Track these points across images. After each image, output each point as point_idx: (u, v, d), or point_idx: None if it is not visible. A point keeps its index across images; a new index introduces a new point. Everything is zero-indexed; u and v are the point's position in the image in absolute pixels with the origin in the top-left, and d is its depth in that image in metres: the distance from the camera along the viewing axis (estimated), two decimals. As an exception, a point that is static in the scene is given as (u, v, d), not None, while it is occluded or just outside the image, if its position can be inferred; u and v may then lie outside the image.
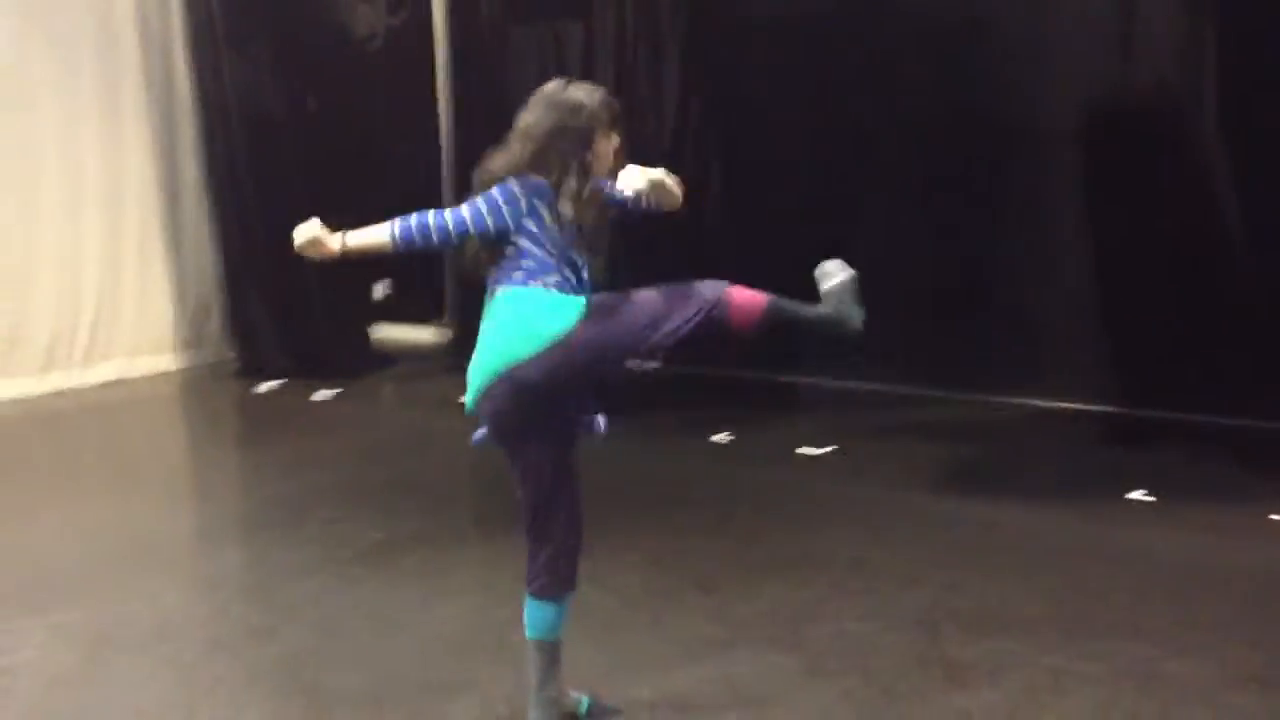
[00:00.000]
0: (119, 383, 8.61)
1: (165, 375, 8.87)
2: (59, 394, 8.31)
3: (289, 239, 3.28)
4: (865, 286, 3.20)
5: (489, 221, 3.23)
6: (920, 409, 7.16)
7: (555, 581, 3.37)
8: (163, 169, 8.85)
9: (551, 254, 3.23)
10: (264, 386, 8.32)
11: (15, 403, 8.08)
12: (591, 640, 3.93)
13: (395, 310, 9.38)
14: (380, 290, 9.19)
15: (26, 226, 8.21)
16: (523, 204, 3.23)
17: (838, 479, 5.95)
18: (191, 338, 9.10)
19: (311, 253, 3.27)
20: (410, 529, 5.36)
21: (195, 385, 8.73)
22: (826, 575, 4.64)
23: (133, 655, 4.13)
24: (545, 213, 3.24)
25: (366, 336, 9.20)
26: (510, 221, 3.23)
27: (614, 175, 3.28)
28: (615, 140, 3.34)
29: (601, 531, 5.08)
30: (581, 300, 3.20)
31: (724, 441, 6.59)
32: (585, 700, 3.59)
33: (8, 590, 4.75)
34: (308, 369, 8.42)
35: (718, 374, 7.70)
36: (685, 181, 3.29)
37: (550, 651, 3.42)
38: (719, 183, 8.02)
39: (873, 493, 5.73)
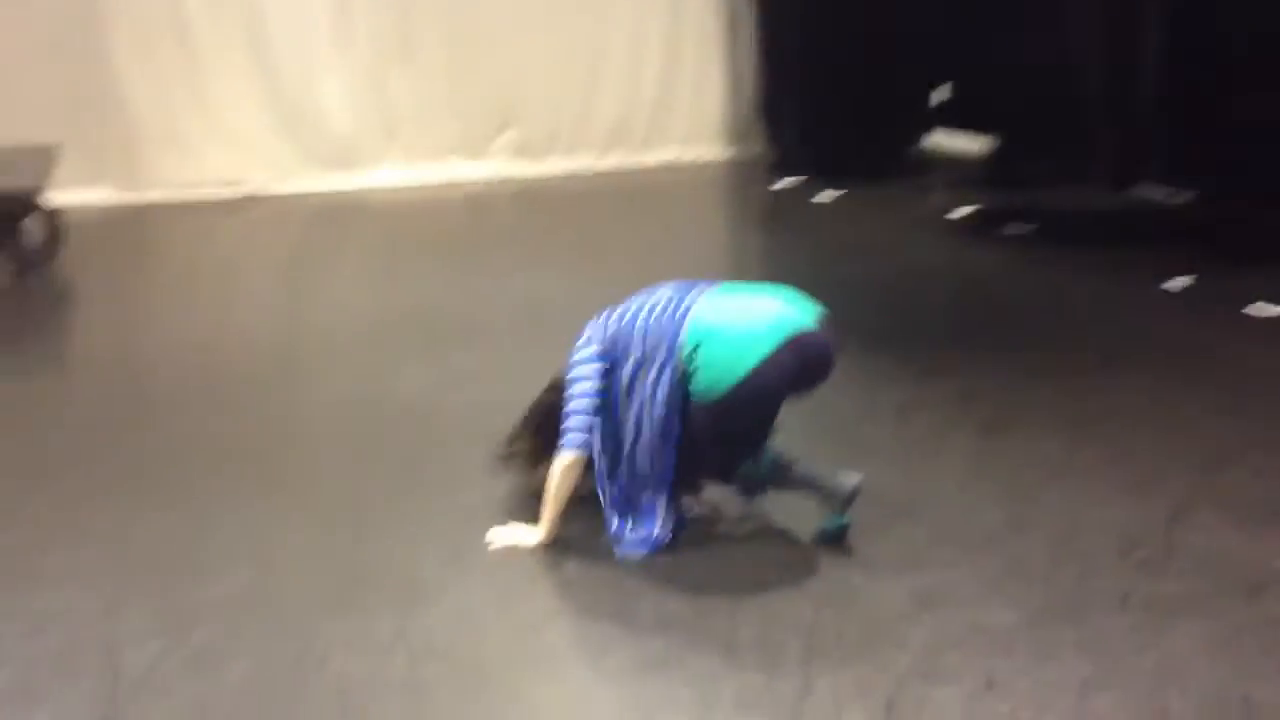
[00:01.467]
0: (669, 167, 9.42)
1: (710, 164, 9.52)
2: (616, 172, 9.31)
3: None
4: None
5: None
6: None
7: None
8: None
9: None
10: (781, 182, 8.66)
11: (577, 176, 9.19)
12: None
13: (951, 115, 9.20)
14: (939, 95, 9.09)
15: (599, 15, 9.10)
16: None
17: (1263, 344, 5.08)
18: (738, 131, 9.62)
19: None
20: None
21: (729, 176, 9.27)
22: (1116, 446, 4.10)
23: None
24: None
25: (901, 140, 9.15)
26: None
27: None
28: None
29: (962, 355, 4.96)
30: None
31: (1177, 288, 5.84)
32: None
33: (450, 330, 5.62)
34: (829, 168, 8.58)
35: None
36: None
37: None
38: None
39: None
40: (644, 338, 3.38)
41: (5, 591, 3.24)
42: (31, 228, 7.18)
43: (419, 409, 4.55)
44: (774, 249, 7.46)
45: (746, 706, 2.68)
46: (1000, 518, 3.57)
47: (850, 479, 3.35)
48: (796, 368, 3.28)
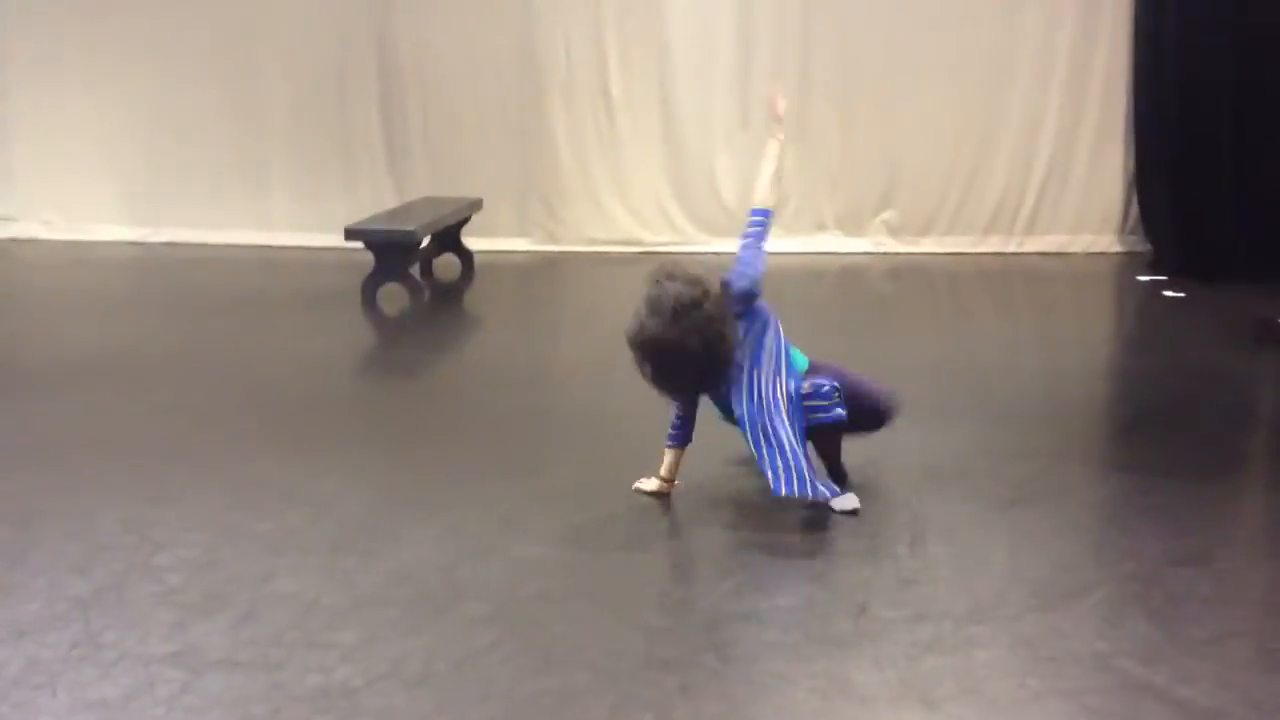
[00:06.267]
0: (1054, 255, 9.30)
1: (1099, 256, 9.24)
2: (996, 256, 9.37)
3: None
4: None
5: None
6: None
7: None
8: (1138, 53, 8.97)
9: None
10: (1145, 277, 8.31)
11: (954, 257, 9.37)
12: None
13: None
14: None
15: (991, 96, 9.24)
16: None
17: None
18: (1131, 224, 9.27)
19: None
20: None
21: (1106, 269, 8.95)
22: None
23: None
24: None
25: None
26: None
27: None
28: None
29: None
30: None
31: None
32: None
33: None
34: (1200, 267, 8.13)
35: None
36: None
37: None
38: None
39: None
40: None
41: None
42: (449, 264, 8.87)
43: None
44: (1085, 335, 7.32)
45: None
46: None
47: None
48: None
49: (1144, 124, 8.82)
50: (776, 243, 9.42)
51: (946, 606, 3.38)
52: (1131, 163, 9.12)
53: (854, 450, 4.35)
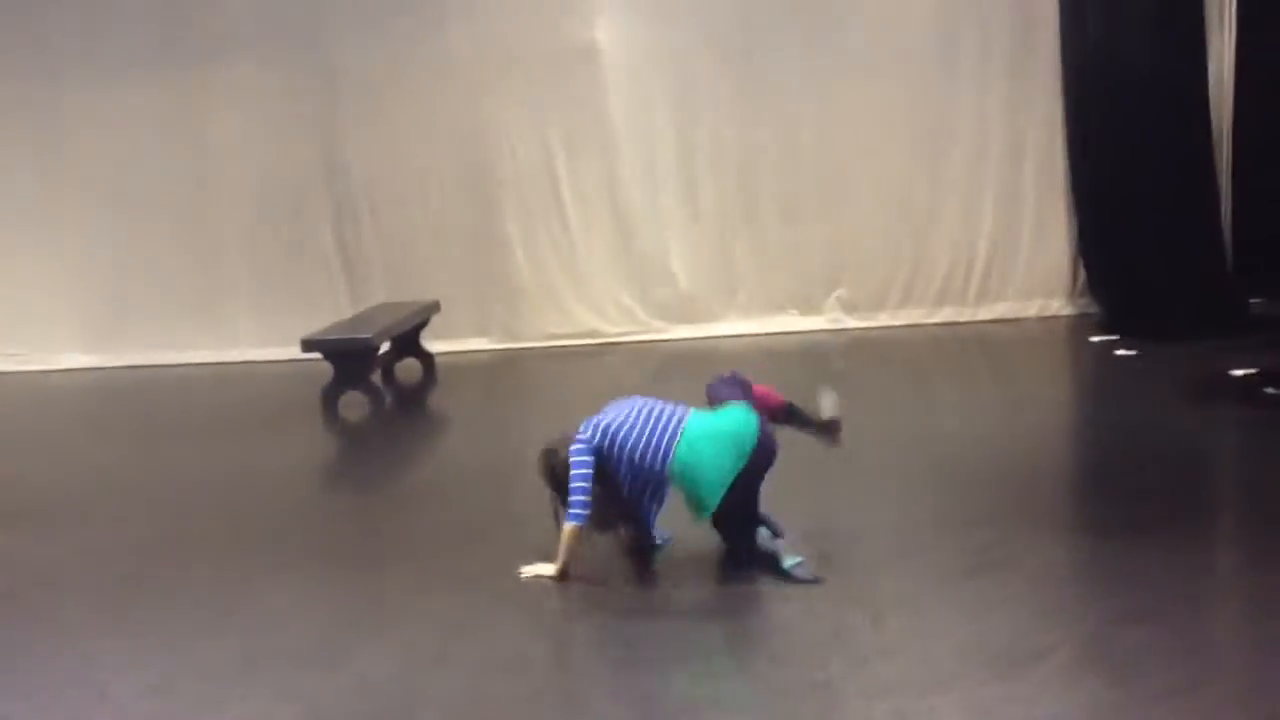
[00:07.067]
0: (1008, 321, 9.41)
1: (1052, 319, 9.36)
2: (949, 325, 9.47)
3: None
4: None
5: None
6: None
7: None
8: (1071, 125, 9.19)
9: None
10: (1097, 338, 8.43)
11: (910, 328, 9.48)
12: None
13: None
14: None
15: (932, 171, 9.43)
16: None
17: None
18: (1080, 287, 9.41)
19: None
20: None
21: (1058, 332, 9.06)
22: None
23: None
24: None
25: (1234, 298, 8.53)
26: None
27: None
28: None
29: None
30: None
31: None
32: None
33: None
34: (1149, 326, 8.23)
35: None
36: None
37: None
38: None
39: None
40: (634, 452, 4.30)
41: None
42: (411, 367, 8.90)
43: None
44: (1041, 398, 7.38)
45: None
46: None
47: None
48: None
49: (1083, 189, 9.00)
50: (735, 325, 9.74)
51: (908, 679, 3.39)
52: (1075, 227, 9.28)
53: (818, 524, 4.40)
